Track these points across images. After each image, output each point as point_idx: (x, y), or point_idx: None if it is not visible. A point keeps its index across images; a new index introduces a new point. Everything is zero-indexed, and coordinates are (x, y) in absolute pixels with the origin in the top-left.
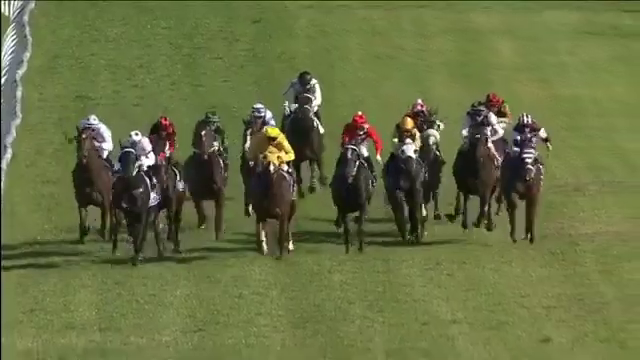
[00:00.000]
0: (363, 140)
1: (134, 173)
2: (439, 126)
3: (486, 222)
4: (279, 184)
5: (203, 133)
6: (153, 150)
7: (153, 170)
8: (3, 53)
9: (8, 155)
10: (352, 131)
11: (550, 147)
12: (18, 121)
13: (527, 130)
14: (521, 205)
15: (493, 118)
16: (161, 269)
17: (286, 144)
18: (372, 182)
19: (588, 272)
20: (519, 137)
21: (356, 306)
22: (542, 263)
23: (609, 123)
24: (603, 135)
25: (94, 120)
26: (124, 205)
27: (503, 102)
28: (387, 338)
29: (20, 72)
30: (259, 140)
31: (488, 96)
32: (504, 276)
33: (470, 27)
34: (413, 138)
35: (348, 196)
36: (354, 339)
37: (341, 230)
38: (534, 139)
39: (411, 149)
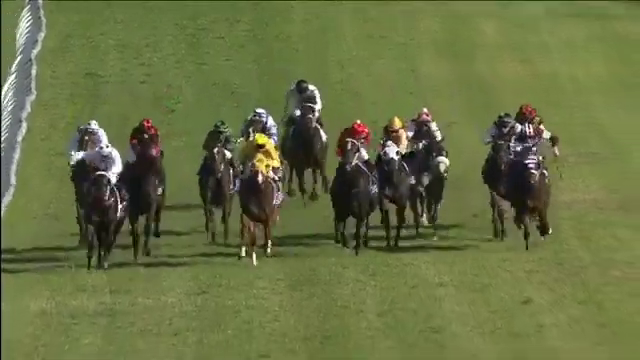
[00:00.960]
0: (363, 144)
1: (107, 196)
2: (447, 153)
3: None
4: (266, 191)
5: (216, 151)
6: (142, 152)
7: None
8: (18, 34)
9: (23, 129)
10: (351, 136)
11: (558, 152)
12: (32, 97)
13: (529, 140)
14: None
15: (519, 129)
16: (168, 239)
17: (274, 151)
18: (374, 187)
19: (567, 238)
20: (519, 147)
21: (349, 270)
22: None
23: (586, 99)
24: (580, 110)
25: (95, 125)
26: (95, 218)
27: (535, 114)
28: (379, 300)
29: (34, 51)
30: (248, 147)
31: (521, 108)
32: (487, 243)
33: (457, 11)
34: (398, 139)
35: (346, 197)
36: (347, 301)
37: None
38: (535, 148)
39: (393, 151)
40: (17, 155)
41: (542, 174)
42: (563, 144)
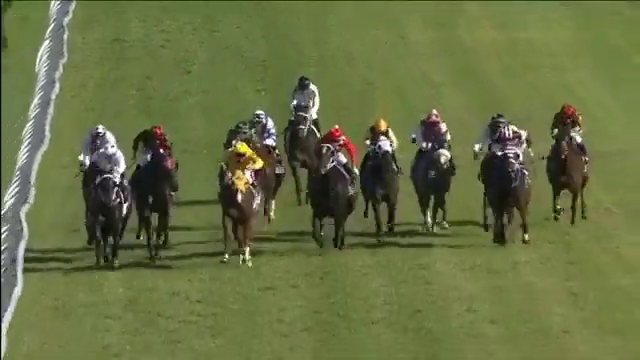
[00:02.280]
0: (340, 149)
1: (112, 198)
2: (450, 145)
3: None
4: (245, 203)
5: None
6: (157, 163)
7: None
8: (52, 4)
9: (56, 88)
10: (329, 141)
11: (532, 153)
12: (64, 60)
13: (508, 143)
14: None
15: (514, 129)
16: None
17: (255, 157)
18: (352, 188)
19: (537, 184)
20: (500, 152)
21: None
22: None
23: (558, 62)
24: (553, 72)
25: (102, 129)
26: (101, 218)
27: (577, 113)
28: (371, 241)
29: (66, 19)
30: (230, 154)
31: (563, 107)
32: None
33: None
34: (387, 137)
35: (324, 200)
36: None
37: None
38: (518, 149)
39: (387, 144)
40: (51, 111)
41: (523, 173)
42: (536, 101)
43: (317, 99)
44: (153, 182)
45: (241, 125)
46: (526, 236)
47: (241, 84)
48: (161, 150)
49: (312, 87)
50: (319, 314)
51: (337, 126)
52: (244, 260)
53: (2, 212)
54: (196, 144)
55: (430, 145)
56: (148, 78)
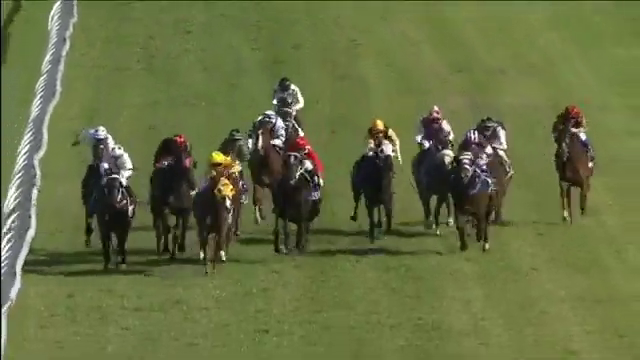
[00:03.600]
0: (305, 156)
1: (119, 199)
2: (453, 145)
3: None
4: (223, 210)
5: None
6: (175, 163)
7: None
8: None
9: (67, 46)
10: (294, 150)
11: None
12: (74, 20)
13: (474, 147)
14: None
15: (502, 132)
16: None
17: (231, 162)
18: (316, 194)
19: (508, 133)
20: (463, 157)
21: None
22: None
23: (533, 27)
24: (527, 33)
25: (102, 131)
26: (107, 219)
27: (581, 113)
28: None
29: None
30: (208, 166)
31: (567, 108)
32: None
33: None
34: (389, 138)
35: (288, 206)
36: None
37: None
38: (483, 156)
39: (390, 148)
40: (61, 67)
41: (485, 181)
42: (507, 58)
43: (299, 97)
44: (172, 181)
45: (234, 133)
46: (486, 245)
47: (237, 43)
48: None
49: (293, 87)
50: (310, 255)
51: (302, 134)
52: (221, 259)
53: (17, 164)
54: (196, 98)
55: (432, 143)
56: (151, 38)
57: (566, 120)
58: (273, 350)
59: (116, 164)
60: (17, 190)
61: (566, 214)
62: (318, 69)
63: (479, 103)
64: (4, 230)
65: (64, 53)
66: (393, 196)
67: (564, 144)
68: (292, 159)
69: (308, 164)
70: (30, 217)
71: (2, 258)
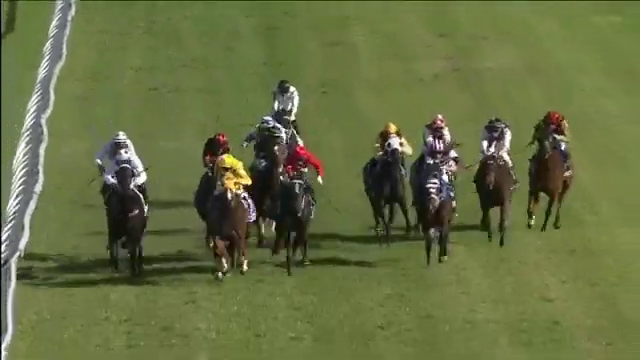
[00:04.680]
0: (304, 167)
1: (131, 187)
2: (456, 161)
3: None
4: (236, 209)
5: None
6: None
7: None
8: None
9: (72, 11)
10: (293, 162)
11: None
12: None
13: (439, 156)
14: None
15: (508, 134)
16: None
17: (242, 171)
18: (312, 207)
19: (489, 94)
20: (429, 162)
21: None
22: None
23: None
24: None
25: (123, 136)
26: (123, 225)
27: (562, 119)
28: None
29: None
30: (216, 166)
31: (548, 114)
32: None
33: None
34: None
35: (293, 226)
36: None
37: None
38: (444, 166)
39: (397, 142)
40: (67, 31)
41: (449, 195)
42: (484, 24)
43: (296, 100)
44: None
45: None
46: (444, 257)
47: (231, 12)
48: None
49: (292, 89)
50: None
51: (301, 144)
52: (242, 272)
53: (25, 123)
54: (194, 60)
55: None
56: (152, 5)
57: (547, 125)
58: (267, 298)
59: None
60: (26, 147)
61: (532, 222)
62: (310, 35)
63: (461, 67)
64: (14, 185)
65: (70, 18)
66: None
67: (547, 142)
68: (297, 188)
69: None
70: (38, 173)
71: (11, 212)
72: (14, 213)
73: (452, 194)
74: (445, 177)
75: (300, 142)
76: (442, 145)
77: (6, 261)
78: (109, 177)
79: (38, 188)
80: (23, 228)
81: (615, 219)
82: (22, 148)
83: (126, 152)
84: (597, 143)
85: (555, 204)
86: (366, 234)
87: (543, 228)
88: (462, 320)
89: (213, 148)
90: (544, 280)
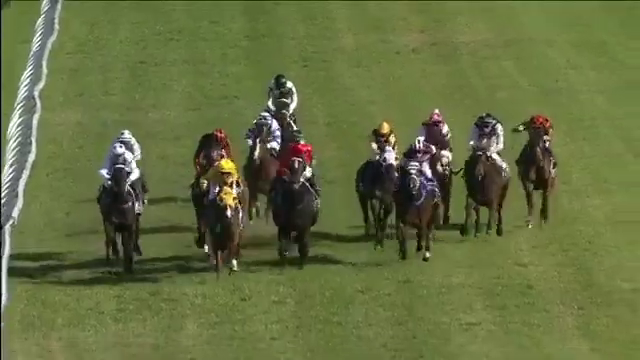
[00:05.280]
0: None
1: (125, 189)
2: (451, 148)
3: (497, 227)
4: (233, 223)
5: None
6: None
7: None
8: None
9: None
10: (291, 157)
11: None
12: None
13: (419, 156)
14: None
15: (500, 129)
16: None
17: (235, 171)
18: (316, 203)
19: (463, 69)
20: (409, 165)
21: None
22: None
23: None
24: None
25: (128, 135)
26: (115, 220)
27: (545, 123)
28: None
29: None
30: (213, 171)
31: (532, 118)
32: None
33: None
34: (392, 145)
35: (291, 212)
36: None
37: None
38: (425, 164)
39: (392, 157)
40: (59, 7)
41: (431, 191)
42: None
43: (295, 96)
44: None
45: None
46: (427, 254)
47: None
48: (222, 150)
49: (289, 85)
50: None
51: (302, 141)
52: (231, 269)
53: (18, 95)
54: (179, 32)
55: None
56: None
57: (533, 129)
58: (250, 266)
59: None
60: (19, 118)
61: (530, 219)
62: (291, 9)
63: (438, 40)
64: (8, 155)
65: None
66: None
67: (538, 149)
68: (296, 164)
69: (308, 172)
70: (31, 143)
71: (5, 180)
72: (8, 182)
73: (436, 191)
74: (429, 174)
75: (301, 138)
76: (422, 145)
77: (0, 228)
78: (104, 173)
79: (31, 158)
80: (17, 196)
81: (585, 187)
82: (16, 119)
83: (121, 147)
84: (565, 113)
85: (547, 196)
86: (348, 207)
87: (544, 217)
88: (439, 285)
89: (210, 146)
90: (518, 246)
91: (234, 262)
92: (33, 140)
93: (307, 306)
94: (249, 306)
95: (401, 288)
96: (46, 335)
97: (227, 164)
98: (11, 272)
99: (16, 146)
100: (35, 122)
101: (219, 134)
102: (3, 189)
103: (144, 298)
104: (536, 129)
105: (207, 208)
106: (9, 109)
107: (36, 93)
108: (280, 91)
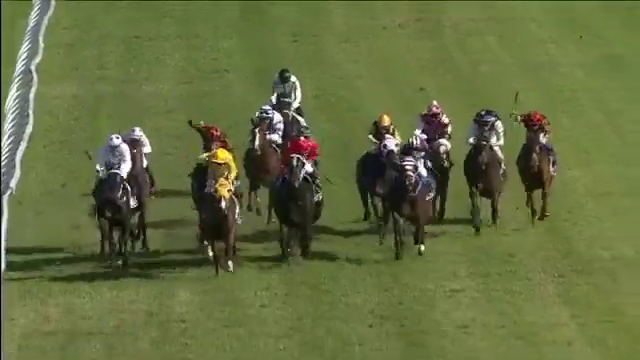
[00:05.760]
0: (308, 158)
1: (119, 194)
2: (450, 136)
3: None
4: (228, 215)
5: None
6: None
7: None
8: None
9: None
10: (294, 152)
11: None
12: None
13: (414, 152)
14: None
15: (499, 126)
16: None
17: (233, 164)
18: (318, 196)
19: (447, 44)
20: (405, 160)
21: None
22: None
23: None
24: None
25: (139, 132)
26: (108, 214)
27: (542, 120)
28: None
29: None
30: (209, 161)
31: (529, 116)
32: None
33: None
34: (392, 134)
35: (292, 209)
36: None
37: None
38: (420, 161)
39: (393, 143)
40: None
41: (427, 185)
42: None
43: (299, 91)
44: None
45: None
46: (422, 247)
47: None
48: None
49: (293, 79)
50: None
51: (303, 137)
52: (227, 269)
53: (16, 69)
54: (173, 9)
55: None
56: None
57: (530, 128)
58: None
59: (115, 156)
60: (17, 92)
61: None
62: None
63: (423, 17)
64: (6, 127)
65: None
66: None
67: (535, 155)
68: (295, 161)
69: (308, 167)
70: (28, 116)
71: (4, 151)
72: (7, 152)
73: (432, 185)
74: (424, 172)
75: (303, 124)
76: (419, 142)
77: None
78: (99, 168)
79: (29, 130)
80: (14, 167)
81: (565, 159)
82: (13, 92)
83: (117, 138)
84: (548, 87)
85: (546, 192)
86: (335, 178)
87: (541, 218)
88: (424, 253)
89: (205, 143)
90: (501, 216)
91: (230, 264)
92: (30, 112)
93: (295, 274)
94: (238, 274)
95: (386, 256)
96: (43, 301)
97: (222, 154)
98: (9, 241)
99: (13, 119)
100: (32, 95)
101: (215, 132)
102: (2, 160)
103: (138, 266)
104: (533, 128)
105: (202, 200)
106: (8, 83)
107: (33, 67)
108: (284, 86)
